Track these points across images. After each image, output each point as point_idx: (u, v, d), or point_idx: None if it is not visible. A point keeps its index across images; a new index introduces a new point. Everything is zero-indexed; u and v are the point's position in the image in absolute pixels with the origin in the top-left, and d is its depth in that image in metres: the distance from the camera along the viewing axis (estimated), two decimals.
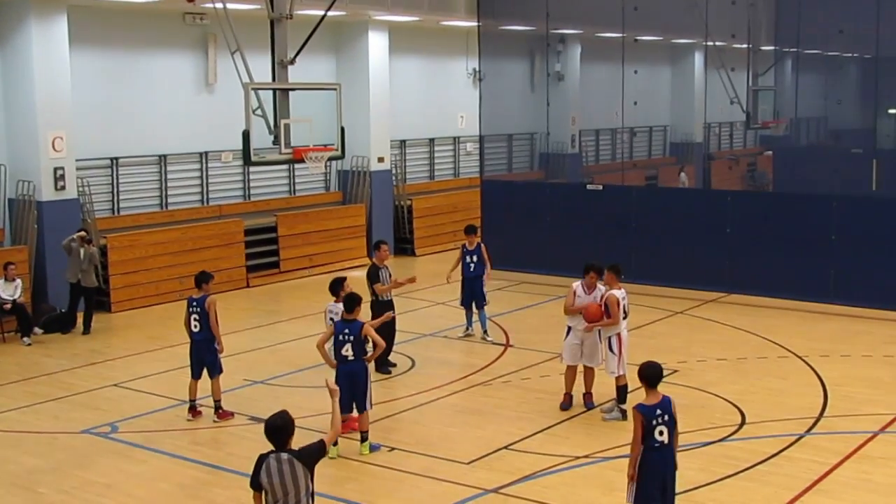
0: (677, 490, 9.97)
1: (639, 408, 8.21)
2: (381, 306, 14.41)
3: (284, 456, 6.97)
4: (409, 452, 11.38)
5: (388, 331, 14.58)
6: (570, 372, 12.77)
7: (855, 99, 33.46)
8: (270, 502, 7.02)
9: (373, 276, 14.51)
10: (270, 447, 7.10)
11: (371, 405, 11.44)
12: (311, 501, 7.05)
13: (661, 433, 8.14)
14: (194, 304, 12.56)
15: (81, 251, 17.39)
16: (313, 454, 7.07)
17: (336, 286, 12.39)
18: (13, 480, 10.83)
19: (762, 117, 30.89)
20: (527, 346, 15.87)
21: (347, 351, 11.18)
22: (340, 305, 11.80)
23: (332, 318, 12.05)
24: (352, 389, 11.16)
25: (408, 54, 26.07)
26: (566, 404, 12.72)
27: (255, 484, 7.07)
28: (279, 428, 7.06)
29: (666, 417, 8.16)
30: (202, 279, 12.70)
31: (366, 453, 11.27)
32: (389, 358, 14.60)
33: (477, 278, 16.34)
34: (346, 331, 11.22)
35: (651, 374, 8.28)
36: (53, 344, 16.91)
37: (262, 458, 7.07)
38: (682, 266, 19.71)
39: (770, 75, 31.44)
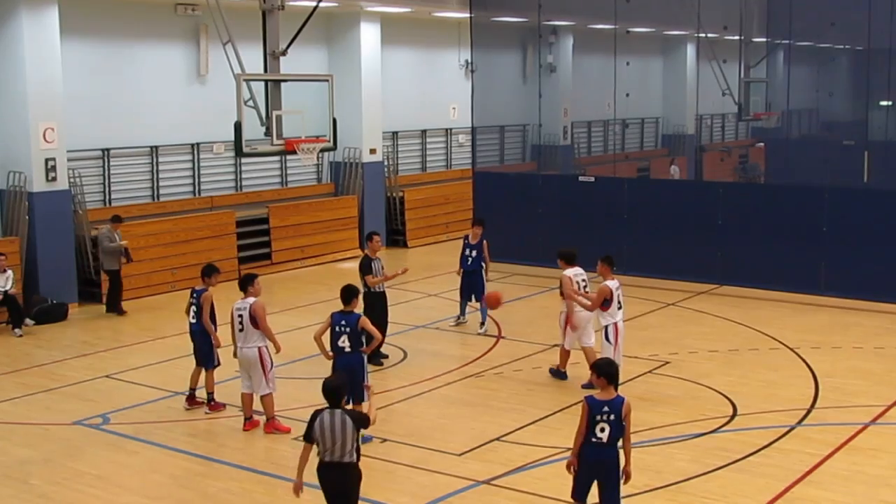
0: (669, 482, 10.06)
1: (588, 399, 8.30)
2: (374, 298, 14.44)
3: (338, 412, 8.05)
4: (401, 444, 11.38)
5: (379, 321, 14.60)
6: (567, 353, 13.61)
7: (847, 91, 33.58)
8: (321, 451, 8.04)
9: (365, 268, 14.53)
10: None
11: (369, 396, 11.42)
12: (356, 455, 8.10)
13: (602, 430, 8.17)
14: (194, 295, 12.66)
15: (117, 236, 18.10)
16: (361, 418, 8.23)
17: (245, 283, 11.92)
18: (5, 471, 10.81)
19: (754, 109, 30.99)
20: (519, 338, 15.88)
21: (344, 342, 11.22)
22: (249, 301, 11.65)
23: (239, 315, 11.77)
24: (349, 381, 11.18)
25: (400, 46, 26.02)
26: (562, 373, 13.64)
27: (308, 436, 8.10)
28: (336, 388, 8.19)
29: (611, 417, 8.17)
30: (206, 272, 12.76)
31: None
32: (381, 349, 14.61)
33: (474, 272, 16.37)
34: (343, 322, 11.26)
35: (609, 373, 8.33)
36: (45, 335, 16.87)
37: (316, 413, 8.08)
38: (674, 258, 19.73)
39: (762, 67, 31.51)
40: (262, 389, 11.77)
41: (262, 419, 11.98)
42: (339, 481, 8.06)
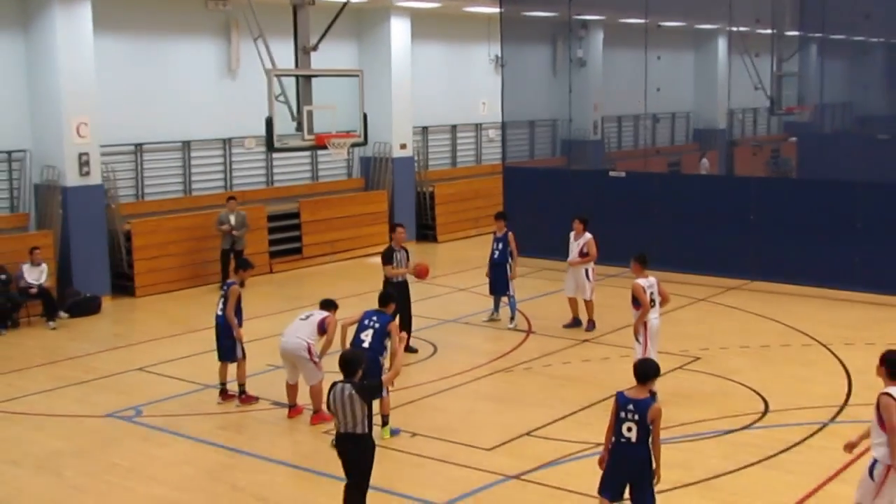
0: (700, 478, 10.01)
1: (618, 394, 8.22)
2: (392, 287, 14.54)
3: (347, 387, 8.37)
4: (430, 438, 11.39)
5: (404, 314, 14.65)
6: (571, 301, 16.00)
7: (881, 84, 33.22)
8: (336, 422, 8.52)
9: (386, 257, 14.74)
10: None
11: (387, 391, 11.11)
12: (367, 424, 8.44)
13: (628, 429, 8.05)
14: (224, 287, 12.73)
15: (232, 217, 19.03)
16: (369, 391, 8.53)
17: (328, 306, 12.18)
18: (38, 463, 10.94)
19: (786, 103, 30.70)
20: (549, 333, 15.85)
21: (367, 337, 11.13)
22: (324, 313, 11.92)
23: (308, 314, 12.07)
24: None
25: (430, 40, 26.02)
26: (570, 324, 15.91)
27: (327, 406, 8.67)
28: (348, 361, 8.56)
29: (637, 416, 8.02)
30: (239, 265, 12.88)
31: (387, 437, 11.27)
32: (410, 343, 14.64)
33: (499, 266, 16.34)
34: (375, 318, 11.22)
35: (639, 372, 8.26)
36: (78, 328, 17.04)
37: (333, 385, 8.51)
38: (705, 253, 19.61)
39: (794, 61, 31.22)
40: (313, 378, 11.82)
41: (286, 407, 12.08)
42: (351, 451, 8.50)
